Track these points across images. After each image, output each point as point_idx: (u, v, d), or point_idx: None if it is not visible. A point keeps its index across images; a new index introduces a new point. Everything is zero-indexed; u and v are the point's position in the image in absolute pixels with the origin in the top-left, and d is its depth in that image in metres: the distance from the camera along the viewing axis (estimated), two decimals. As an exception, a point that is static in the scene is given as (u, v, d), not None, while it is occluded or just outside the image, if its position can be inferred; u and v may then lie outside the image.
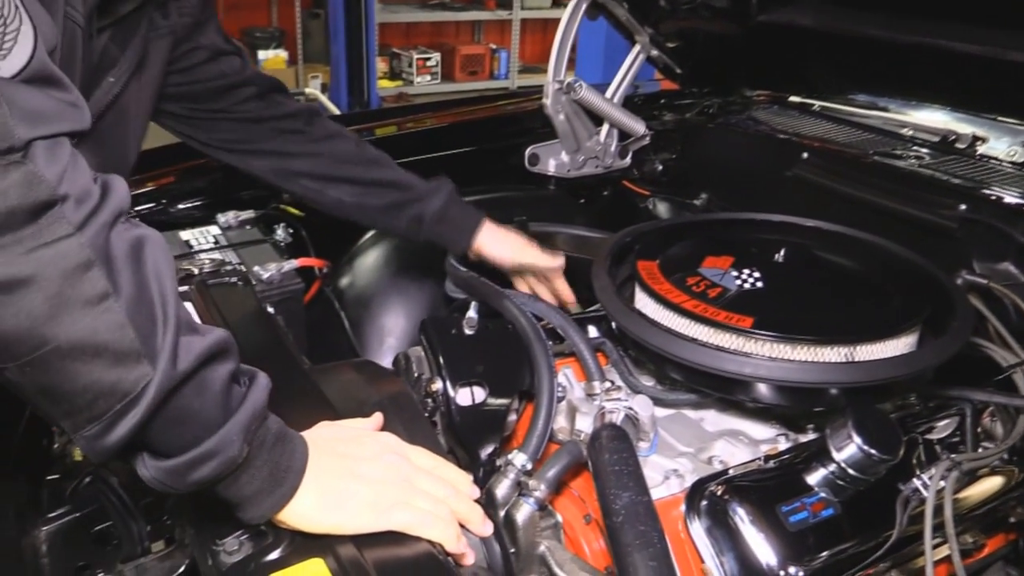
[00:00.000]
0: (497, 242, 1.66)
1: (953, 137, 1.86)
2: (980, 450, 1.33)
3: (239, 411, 0.82)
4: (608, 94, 2.13)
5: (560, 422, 1.31)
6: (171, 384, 0.76)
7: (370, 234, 1.91)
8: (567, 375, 1.40)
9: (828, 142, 1.88)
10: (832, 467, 1.13)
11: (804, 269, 1.36)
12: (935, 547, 1.22)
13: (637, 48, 2.13)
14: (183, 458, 0.79)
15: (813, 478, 1.14)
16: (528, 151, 2.11)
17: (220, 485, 0.82)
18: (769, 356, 1.17)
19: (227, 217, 1.73)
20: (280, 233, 1.75)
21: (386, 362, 1.79)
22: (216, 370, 0.81)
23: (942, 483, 1.19)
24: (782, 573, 1.04)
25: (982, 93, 1.81)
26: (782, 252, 1.38)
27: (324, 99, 5.96)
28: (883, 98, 2.05)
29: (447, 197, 1.63)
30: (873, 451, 1.11)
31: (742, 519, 1.07)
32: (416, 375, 1.35)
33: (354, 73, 6.95)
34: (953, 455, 1.26)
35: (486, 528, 0.97)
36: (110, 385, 0.73)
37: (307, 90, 6.63)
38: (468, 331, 1.34)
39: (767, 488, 1.11)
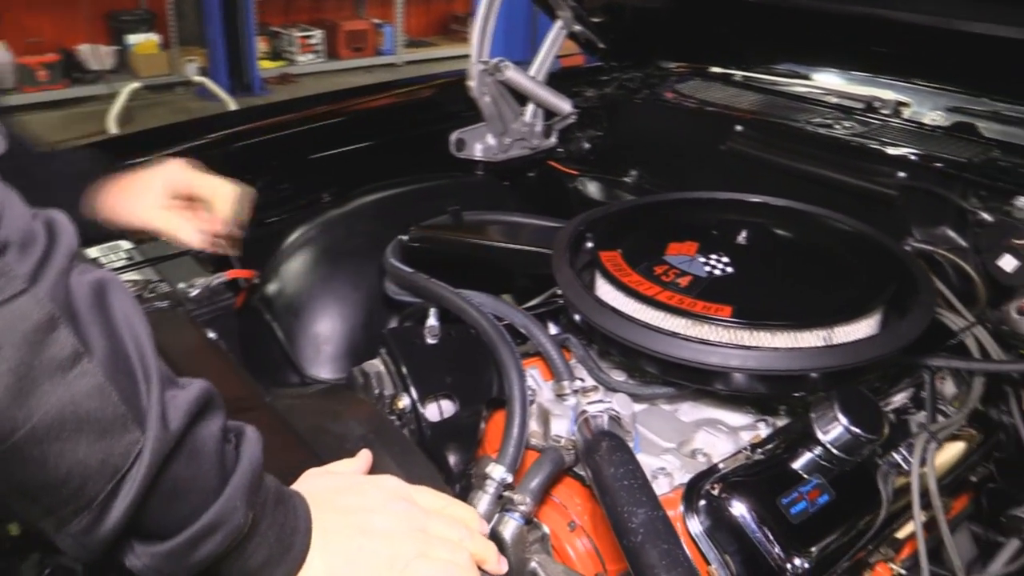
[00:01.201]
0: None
1: (878, 104, 1.89)
2: (940, 417, 1.36)
3: (236, 472, 0.72)
4: (532, 72, 2.05)
5: (531, 426, 1.25)
6: (165, 448, 0.65)
7: (295, 235, 1.78)
8: (534, 376, 1.33)
9: (759, 113, 1.87)
10: (818, 451, 1.12)
11: (767, 250, 1.34)
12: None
13: (559, 24, 2.06)
14: (183, 537, 0.68)
15: (800, 464, 1.12)
16: (454, 136, 2.02)
17: (224, 563, 0.72)
18: (751, 345, 1.14)
19: (137, 230, 1.56)
20: (200, 244, 1.60)
21: (325, 373, 1.69)
22: (207, 427, 0.70)
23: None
24: (791, 567, 1.02)
25: (902, 59, 1.84)
26: (744, 234, 1.36)
27: (212, 85, 5.59)
28: (805, 66, 2.06)
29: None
30: (860, 432, 1.10)
31: (745, 517, 1.04)
32: (377, 392, 1.26)
33: (233, 55, 6.59)
34: (928, 425, 1.28)
35: (502, 567, 0.90)
36: (98, 463, 0.61)
37: (195, 78, 6.22)
38: (431, 340, 1.26)
39: (763, 482, 1.08)
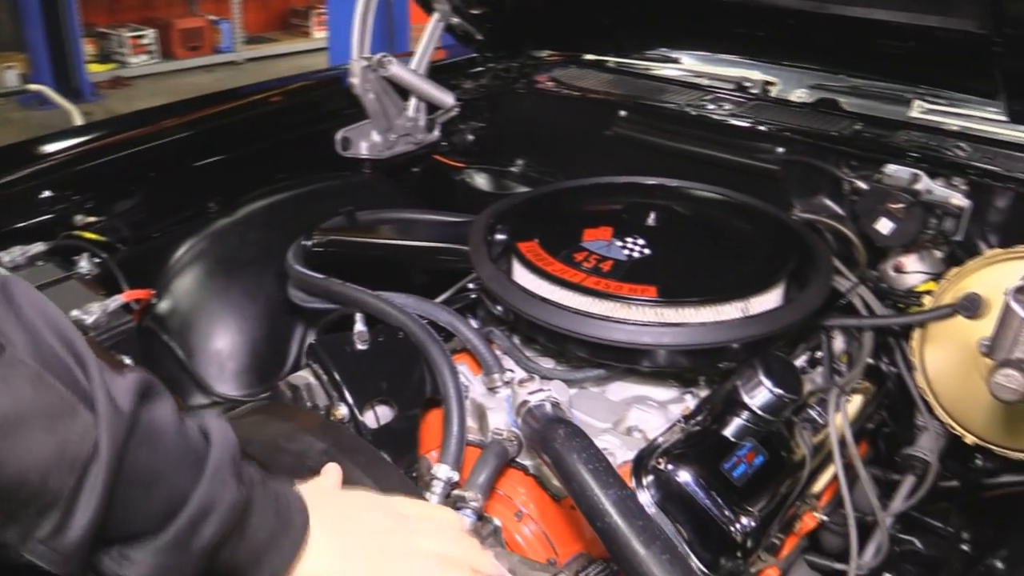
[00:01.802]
0: None
1: (747, 84, 2.00)
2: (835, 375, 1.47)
3: (212, 450, 0.68)
4: (413, 66, 2.03)
5: (467, 422, 1.25)
6: (122, 430, 0.61)
7: (183, 249, 1.69)
8: (464, 372, 1.33)
9: (639, 98, 1.94)
10: (746, 415, 1.19)
11: (677, 229, 1.40)
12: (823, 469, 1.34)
13: (436, 16, 2.04)
14: (178, 524, 0.64)
15: (731, 430, 1.18)
16: (339, 135, 1.97)
17: (229, 546, 0.68)
18: (679, 322, 1.19)
19: (12, 255, 1.44)
20: (84, 265, 1.49)
21: (232, 390, 1.62)
22: (159, 409, 0.66)
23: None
24: (740, 526, 1.07)
25: (768, 41, 1.96)
26: (652, 215, 1.41)
27: (52, 93, 5.11)
28: (676, 51, 2.15)
29: None
30: (784, 393, 1.18)
31: (693, 485, 1.09)
32: (309, 405, 1.22)
33: (58, 59, 6.11)
34: (837, 381, 1.38)
35: (498, 568, 0.89)
36: (54, 454, 0.58)
37: (32, 86, 5.67)
38: (361, 346, 1.23)
39: (704, 451, 1.13)
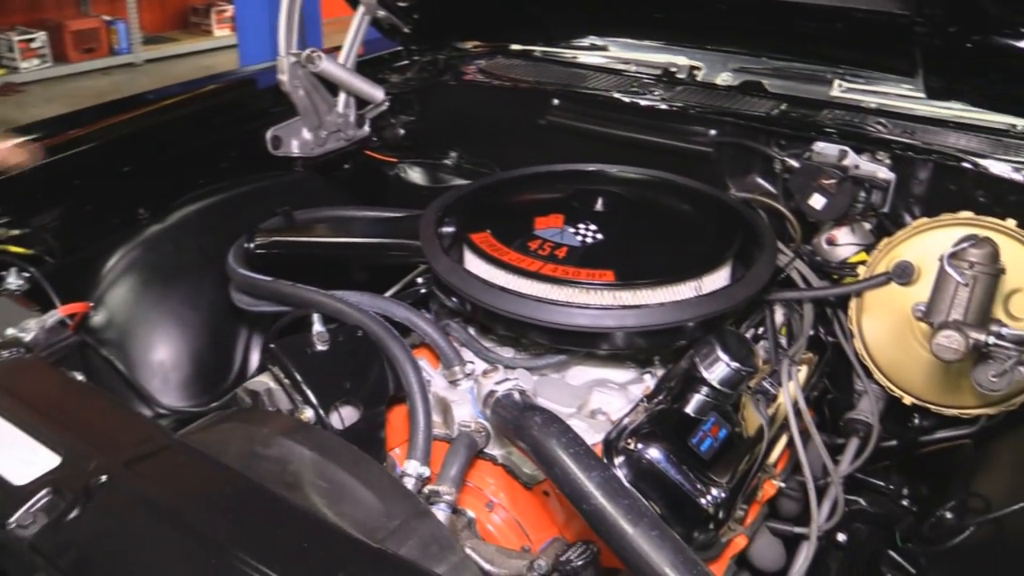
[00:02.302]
0: None
1: (674, 69, 2.04)
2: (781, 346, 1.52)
3: None
4: (341, 61, 2.00)
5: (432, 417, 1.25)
6: None
7: (116, 258, 1.62)
8: (424, 367, 1.33)
9: (570, 86, 1.96)
10: (705, 390, 1.22)
11: (625, 213, 1.42)
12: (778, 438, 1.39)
13: (362, 10, 2.01)
14: None
15: (692, 406, 1.21)
16: (269, 134, 1.92)
17: None
18: (638, 304, 1.21)
19: (-67, 275, 1.35)
20: (12, 280, 1.41)
21: (179, 401, 1.57)
22: None
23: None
24: (711, 498, 1.10)
25: (691, 27, 2.00)
26: (600, 201, 1.43)
27: None
28: (603, 38, 2.18)
29: None
30: (740, 366, 1.21)
31: (663, 462, 1.11)
32: (271, 410, 1.19)
33: (-62, 67, 5.75)
34: (787, 351, 1.43)
35: None
36: None
37: None
38: (321, 347, 1.21)
39: (670, 428, 1.16)
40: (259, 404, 1.21)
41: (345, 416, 1.20)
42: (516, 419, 1.07)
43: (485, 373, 1.24)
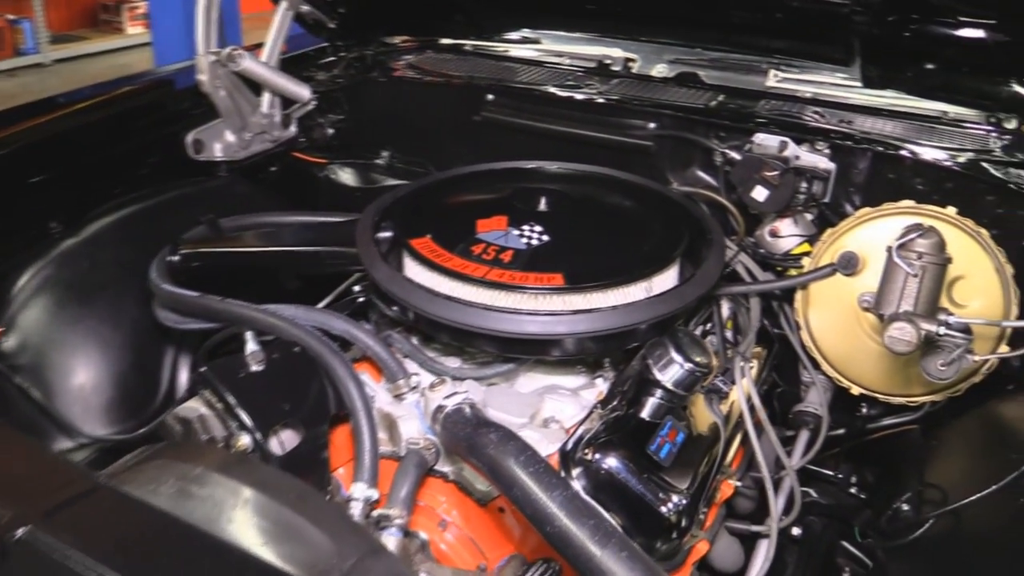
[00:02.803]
0: None
1: (608, 61, 2.00)
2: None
3: None
4: (264, 59, 1.90)
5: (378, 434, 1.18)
6: None
7: (27, 277, 1.50)
8: (366, 382, 1.26)
9: (505, 81, 1.90)
10: (660, 393, 1.19)
11: (569, 212, 1.38)
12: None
13: (284, 5, 1.92)
14: None
15: (647, 411, 1.18)
16: (190, 138, 1.82)
17: None
18: (590, 308, 1.16)
19: None
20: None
21: (101, 429, 1.47)
22: None
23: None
24: (672, 505, 1.07)
25: (625, 18, 1.97)
26: (543, 200, 1.38)
27: None
28: (535, 31, 2.13)
29: None
30: (695, 367, 1.18)
31: (623, 471, 1.07)
32: (206, 438, 1.11)
33: None
34: (737, 348, 1.40)
35: None
36: None
37: None
38: (256, 368, 1.14)
39: (627, 435, 1.12)
40: (191, 432, 1.13)
41: (285, 440, 1.13)
42: (469, 436, 1.01)
43: (432, 386, 1.18)
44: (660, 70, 1.97)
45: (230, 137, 1.89)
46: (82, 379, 1.47)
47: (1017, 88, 1.59)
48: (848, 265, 1.45)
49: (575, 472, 1.08)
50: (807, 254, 1.58)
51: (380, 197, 1.48)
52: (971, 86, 1.61)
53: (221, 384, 1.08)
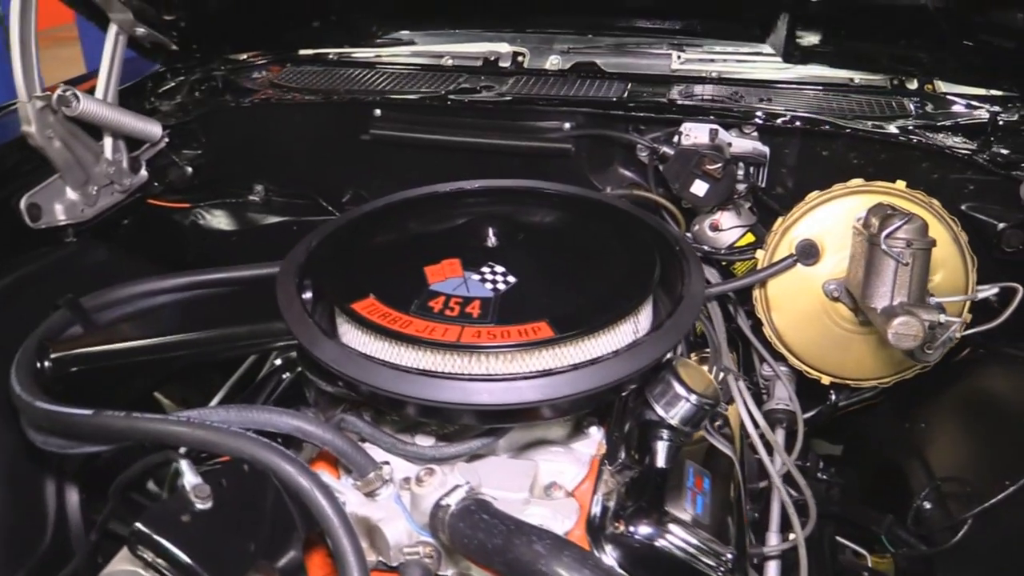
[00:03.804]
0: None
1: (495, 57, 1.84)
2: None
3: None
4: (100, 96, 1.59)
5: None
6: None
7: None
8: (329, 484, 1.05)
9: (390, 93, 1.69)
10: (667, 434, 1.07)
11: (523, 244, 1.20)
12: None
13: (115, 30, 1.60)
14: None
15: (661, 458, 1.05)
16: (23, 204, 1.49)
17: None
18: (589, 360, 1.00)
19: None
20: None
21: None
22: None
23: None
24: (725, 559, 0.95)
25: (508, 9, 1.81)
26: (490, 233, 1.20)
27: None
28: (410, 32, 1.92)
29: None
30: (705, 399, 1.07)
31: (664, 541, 0.94)
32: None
33: None
34: (728, 365, 1.30)
35: None
36: None
37: None
38: (202, 505, 0.90)
39: (656, 496, 0.99)
40: (130, 603, 0.88)
41: (256, 586, 0.90)
42: (501, 548, 0.84)
43: (420, 480, 0.99)
44: (553, 62, 1.83)
45: (72, 195, 1.58)
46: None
47: (917, 51, 1.58)
48: (808, 254, 1.39)
49: (609, 549, 0.94)
50: (752, 245, 1.51)
51: (290, 255, 1.24)
52: (880, 52, 1.58)
53: (167, 539, 0.84)
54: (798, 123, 1.47)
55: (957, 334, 1.21)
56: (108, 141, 1.63)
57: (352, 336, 1.08)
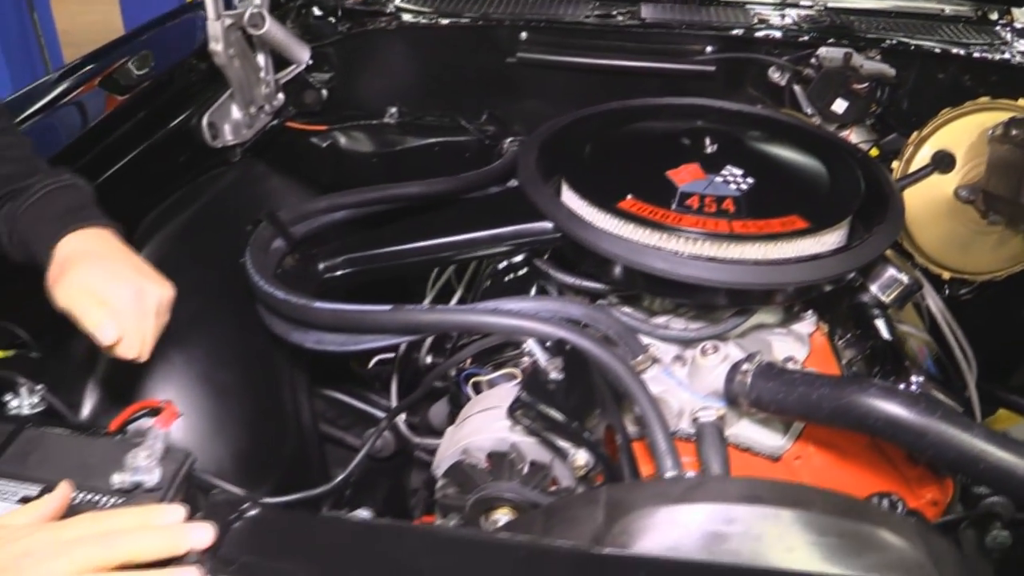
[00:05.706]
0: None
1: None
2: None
3: None
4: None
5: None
6: None
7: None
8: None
9: (535, 19, 1.77)
10: (877, 312, 1.25)
11: (746, 152, 1.32)
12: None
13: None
14: None
15: (883, 331, 1.23)
16: (205, 121, 1.53)
17: None
18: (848, 244, 1.16)
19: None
20: (22, 402, 0.98)
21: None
22: None
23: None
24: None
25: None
26: (709, 141, 1.32)
27: None
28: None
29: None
30: (915, 281, 1.25)
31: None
32: (526, 470, 0.99)
33: None
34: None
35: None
36: None
37: None
38: (556, 375, 1.02)
39: (898, 360, 1.16)
40: (503, 465, 1.00)
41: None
42: (828, 396, 0.98)
43: (704, 352, 1.14)
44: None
45: (237, 115, 1.62)
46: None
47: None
48: (944, 163, 1.57)
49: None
50: (876, 158, 1.68)
51: (527, 156, 1.31)
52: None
53: (541, 405, 0.96)
54: (913, 48, 1.64)
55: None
56: (261, 61, 1.66)
57: (636, 234, 1.16)
